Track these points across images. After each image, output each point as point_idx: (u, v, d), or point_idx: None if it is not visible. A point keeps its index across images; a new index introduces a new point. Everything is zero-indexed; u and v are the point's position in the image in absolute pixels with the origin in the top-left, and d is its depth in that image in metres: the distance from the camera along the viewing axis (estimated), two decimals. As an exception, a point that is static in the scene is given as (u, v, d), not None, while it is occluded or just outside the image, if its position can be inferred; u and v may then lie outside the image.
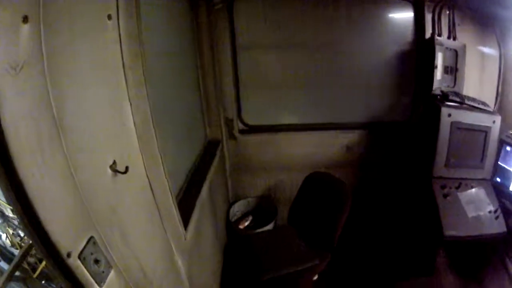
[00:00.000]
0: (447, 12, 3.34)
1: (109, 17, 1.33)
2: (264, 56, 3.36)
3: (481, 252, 3.44)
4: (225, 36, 3.22)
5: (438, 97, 3.07)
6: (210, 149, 3.24)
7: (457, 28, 3.43)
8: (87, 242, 1.11)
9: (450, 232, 2.68)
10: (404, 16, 3.43)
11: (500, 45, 3.78)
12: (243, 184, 3.72)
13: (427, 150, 3.00)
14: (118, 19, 1.37)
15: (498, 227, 2.91)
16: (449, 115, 2.90)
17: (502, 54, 3.80)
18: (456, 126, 2.92)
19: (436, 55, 3.17)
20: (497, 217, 2.95)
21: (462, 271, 3.38)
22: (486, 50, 3.80)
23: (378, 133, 3.50)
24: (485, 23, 3.65)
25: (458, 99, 3.05)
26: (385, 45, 3.37)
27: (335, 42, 3.32)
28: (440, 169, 2.96)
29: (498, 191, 3.23)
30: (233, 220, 3.66)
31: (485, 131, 3.09)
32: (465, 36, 3.55)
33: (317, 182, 3.00)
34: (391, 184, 3.52)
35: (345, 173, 3.21)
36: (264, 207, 3.76)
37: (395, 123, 3.55)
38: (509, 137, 3.33)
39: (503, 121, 3.50)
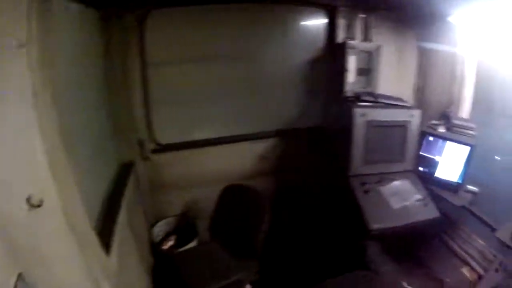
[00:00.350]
0: (363, 15, 3.91)
1: (19, 44, 1.43)
2: (176, 72, 3.63)
3: (419, 237, 3.99)
4: (135, 53, 3.44)
5: (351, 99, 3.57)
6: (124, 172, 3.41)
7: (373, 30, 4.02)
8: (17, 279, 1.26)
9: (375, 225, 3.11)
10: (318, 22, 3.90)
11: (418, 42, 4.51)
12: (162, 204, 3.96)
13: (342, 151, 3.49)
14: (27, 46, 1.46)
15: (428, 213, 3.46)
16: (363, 114, 3.37)
17: (420, 49, 4.53)
18: (371, 125, 3.41)
19: (347, 59, 3.68)
20: (426, 204, 3.50)
21: (401, 258, 3.94)
22: (404, 47, 4.45)
23: (294, 139, 3.90)
24: (402, 21, 4.30)
25: (371, 99, 3.56)
26: (298, 52, 3.81)
27: (247, 52, 3.70)
28: (358, 167, 3.42)
29: (424, 180, 3.81)
30: (157, 240, 3.91)
31: (403, 125, 3.64)
32: (382, 36, 4.14)
33: (233, 194, 3.33)
34: (313, 187, 3.89)
35: (263, 181, 3.60)
36: (186, 224, 4.04)
37: (309, 128, 3.97)
38: (430, 127, 3.96)
39: (424, 113, 3.99)
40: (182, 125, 3.80)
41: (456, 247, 4.31)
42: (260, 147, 3.77)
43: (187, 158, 3.76)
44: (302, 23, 3.85)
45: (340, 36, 3.84)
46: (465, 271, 4.07)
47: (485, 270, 3.66)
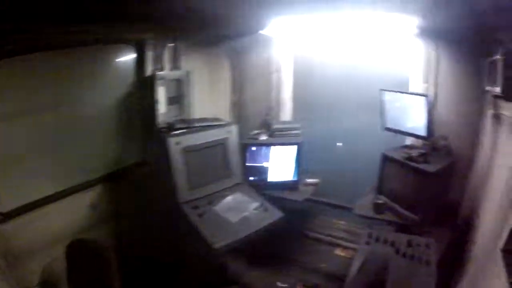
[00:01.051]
0: (171, 45, 3.98)
1: None
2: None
3: (278, 239, 4.18)
4: None
5: (164, 129, 3.61)
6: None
7: (182, 57, 4.13)
8: None
9: (218, 244, 3.13)
10: (127, 58, 3.83)
11: (231, 59, 4.82)
12: (26, 275, 3.34)
13: (169, 181, 3.49)
14: None
15: (271, 216, 3.58)
16: (178, 143, 3.45)
17: (233, 66, 4.83)
18: (188, 150, 3.51)
19: (157, 90, 3.71)
20: (266, 209, 3.64)
21: (269, 263, 4.14)
22: (216, 67, 4.72)
23: (121, 180, 3.79)
24: (212, 42, 4.53)
25: (185, 125, 3.65)
26: (111, 91, 3.70)
27: (60, 100, 3.40)
28: (186, 194, 3.46)
29: (259, 187, 4.02)
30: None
31: (222, 143, 3.81)
32: (192, 61, 4.28)
33: (79, 250, 3.12)
34: (152, 222, 3.83)
35: (103, 231, 3.48)
36: None
37: (134, 165, 3.92)
38: (251, 138, 4.19)
39: (244, 126, 4.32)
40: (17, 188, 3.37)
41: (319, 236, 4.67)
42: (86, 197, 3.59)
43: (29, 222, 3.44)
44: (112, 61, 3.79)
45: (149, 68, 3.87)
46: (339, 251, 4.45)
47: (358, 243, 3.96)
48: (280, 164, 4.23)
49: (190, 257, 3.68)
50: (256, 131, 4.42)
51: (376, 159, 3.93)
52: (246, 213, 3.58)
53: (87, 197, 3.54)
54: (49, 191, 3.41)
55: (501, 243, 2.32)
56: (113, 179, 3.71)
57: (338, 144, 5.25)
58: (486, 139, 3.47)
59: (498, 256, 2.30)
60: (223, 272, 3.84)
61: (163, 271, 3.76)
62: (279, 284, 3.87)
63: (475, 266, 2.79)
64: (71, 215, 3.54)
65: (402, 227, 3.59)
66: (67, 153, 3.51)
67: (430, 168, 3.39)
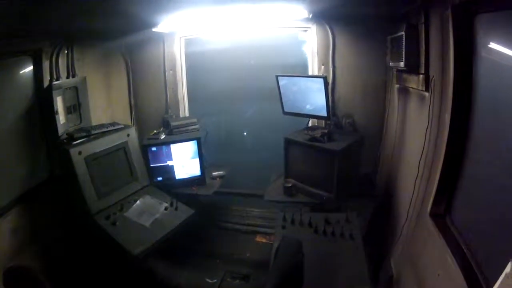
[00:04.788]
0: (65, 51, 3.96)
1: None
2: None
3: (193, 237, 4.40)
4: None
5: (65, 140, 3.64)
6: None
7: (77, 63, 4.13)
8: None
9: (137, 250, 3.23)
10: (25, 70, 3.73)
11: (126, 60, 4.94)
12: None
13: (77, 193, 3.53)
14: None
15: (182, 214, 3.82)
16: (80, 153, 3.50)
17: (129, 68, 4.96)
18: (91, 159, 3.59)
19: (55, 100, 3.67)
20: (176, 208, 3.86)
21: (192, 262, 4.32)
22: (112, 71, 4.85)
23: (34, 199, 3.71)
24: (105, 46, 4.58)
25: (84, 134, 3.72)
26: (8, 108, 3.56)
27: None
28: (95, 204, 3.58)
29: (168, 187, 4.23)
30: None
31: (122, 147, 3.94)
32: (87, 66, 4.33)
33: (12, 279, 3.10)
34: (70, 241, 3.86)
35: (27, 257, 3.42)
36: None
37: (44, 182, 3.86)
38: (150, 138, 4.35)
39: (144, 127, 4.58)
40: None
41: (237, 226, 5.03)
42: (6, 223, 3.42)
43: None
44: (9, 74, 3.61)
45: (47, 78, 3.80)
46: (259, 239, 4.77)
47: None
48: (183, 161, 4.42)
49: (113, 268, 3.76)
50: (154, 131, 4.57)
51: (277, 145, 4.21)
52: (157, 215, 3.79)
53: (5, 223, 3.45)
54: None
55: (428, 208, 2.52)
56: (27, 200, 3.64)
57: (244, 133, 5.58)
58: (394, 112, 3.82)
59: (427, 220, 2.49)
60: (150, 277, 4.02)
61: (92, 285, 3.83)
62: (208, 280, 4.09)
63: (405, 232, 2.97)
64: None
65: (317, 207, 3.79)
66: None
67: (336, 146, 3.62)
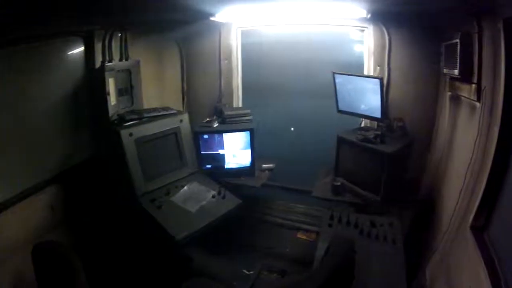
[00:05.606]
0: (119, 34, 3.94)
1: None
2: None
3: (237, 226, 4.34)
4: None
5: (116, 121, 3.62)
6: None
7: (131, 46, 4.10)
8: None
9: (180, 235, 3.25)
10: (75, 51, 3.76)
11: (180, 47, 4.89)
12: None
13: (124, 175, 3.50)
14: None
15: (229, 203, 3.77)
16: (131, 134, 3.48)
17: (183, 55, 4.93)
18: (141, 142, 3.56)
19: (107, 82, 3.67)
20: (224, 197, 3.80)
21: (231, 251, 4.24)
22: (165, 56, 4.81)
23: (75, 178, 3.72)
24: (160, 32, 4.52)
25: (136, 116, 3.69)
26: (60, 87, 3.61)
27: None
28: (142, 186, 3.55)
29: (215, 175, 4.16)
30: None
31: (174, 133, 3.89)
32: (140, 50, 4.28)
33: (44, 254, 3.29)
34: (112, 220, 3.84)
35: (61, 234, 3.41)
36: None
37: (85, 162, 3.84)
38: (203, 126, 4.30)
39: (196, 114, 4.44)
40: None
41: (279, 220, 4.86)
42: (44, 198, 3.49)
43: None
44: (61, 54, 3.68)
45: (99, 60, 3.83)
46: (300, 235, 4.64)
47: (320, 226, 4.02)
48: (235, 150, 4.37)
49: (152, 251, 3.73)
50: (207, 119, 4.53)
51: (331, 141, 4.12)
52: (204, 202, 3.71)
53: (43, 199, 3.47)
54: (1, 198, 3.30)
55: (469, 220, 2.46)
56: (68, 178, 3.65)
57: (291, 129, 5.45)
58: (444, 119, 3.69)
59: (467, 233, 2.44)
60: (188, 264, 3.93)
61: (126, 267, 3.81)
62: (245, 271, 3.99)
63: (444, 243, 2.91)
64: (28, 219, 3.46)
65: (361, 208, 3.78)
66: (16, 154, 3.40)
67: (388, 148, 3.57)
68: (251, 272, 3.96)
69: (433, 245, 3.15)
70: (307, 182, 4.47)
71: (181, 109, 4.86)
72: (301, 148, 5.21)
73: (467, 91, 2.86)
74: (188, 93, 5.05)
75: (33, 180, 3.48)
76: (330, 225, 3.22)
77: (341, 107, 4.26)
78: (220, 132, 4.31)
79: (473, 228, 2.42)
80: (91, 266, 3.26)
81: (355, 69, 4.31)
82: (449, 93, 3.51)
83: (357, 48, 4.60)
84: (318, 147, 4.80)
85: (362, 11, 3.57)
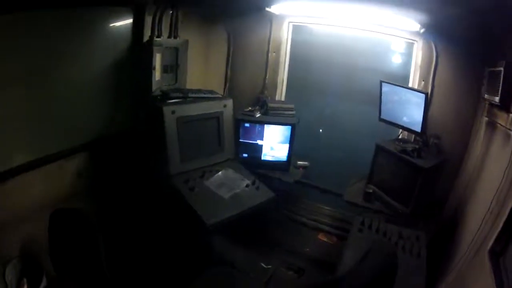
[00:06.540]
0: (170, 11, 3.87)
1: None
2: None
3: (263, 219, 4.23)
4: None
5: (159, 97, 3.56)
6: None
7: (180, 25, 4.03)
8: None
9: (211, 220, 3.17)
10: (123, 22, 3.70)
11: (229, 33, 4.79)
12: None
13: (159, 152, 3.44)
14: None
15: (262, 195, 3.68)
16: (173, 112, 3.40)
17: (230, 40, 4.82)
18: (183, 121, 3.47)
19: (154, 57, 3.62)
20: (257, 188, 3.72)
21: (253, 243, 4.11)
22: (213, 39, 4.71)
23: (107, 149, 3.70)
24: (211, 14, 4.51)
25: (180, 95, 3.61)
26: (104, 56, 3.56)
27: (49, 61, 3.21)
28: (177, 166, 3.45)
29: (251, 165, 4.07)
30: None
31: (216, 117, 3.81)
32: (190, 30, 4.21)
33: (62, 220, 3.18)
34: (139, 195, 3.77)
35: (86, 201, 3.38)
36: (33, 263, 3.87)
37: (120, 134, 3.79)
38: (245, 114, 4.21)
39: (237, 101, 4.25)
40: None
41: (304, 219, 4.74)
42: (73, 164, 3.48)
43: (9, 190, 3.26)
44: (108, 24, 3.63)
45: (147, 34, 3.77)
46: (322, 237, 4.51)
47: (344, 230, 4.18)
48: (273, 143, 4.29)
49: (178, 232, 3.66)
50: (249, 108, 4.44)
51: (364, 148, 4.13)
52: (237, 190, 3.62)
53: (73, 164, 3.43)
54: (31, 157, 3.27)
55: (489, 245, 2.43)
56: (101, 146, 3.61)
57: (320, 130, 5.34)
58: (478, 144, 3.62)
59: (484, 257, 2.41)
60: (209, 249, 3.84)
61: (148, 244, 3.72)
62: (262, 265, 3.90)
63: (461, 265, 2.90)
64: (55, 183, 3.42)
65: (390, 218, 3.72)
66: (52, 117, 3.37)
67: (424, 163, 3.52)
68: (269, 267, 3.88)
69: (450, 264, 3.12)
70: (339, 185, 4.43)
71: (221, 94, 4.71)
72: (336, 150, 5.13)
73: (504, 119, 2.84)
74: (231, 79, 4.96)
75: (64, 145, 3.44)
76: (360, 230, 3.24)
77: (383, 116, 4.18)
78: (262, 123, 4.22)
79: (490, 252, 2.40)
80: (113, 239, 3.21)
81: (398, 80, 4.26)
82: (486, 119, 3.44)
83: (402, 60, 4.55)
84: (352, 152, 4.77)
85: (416, 25, 3.60)
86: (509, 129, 2.70)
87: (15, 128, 3.17)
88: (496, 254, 2.37)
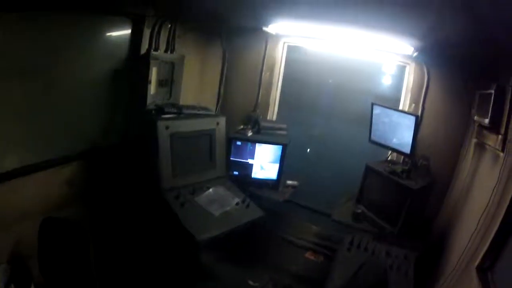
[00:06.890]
0: (169, 25, 3.86)
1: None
2: None
3: (252, 237, 4.19)
4: None
5: (153, 111, 3.54)
6: None
7: (178, 40, 4.02)
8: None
9: (201, 236, 3.15)
10: (122, 32, 3.65)
11: (224, 51, 4.80)
12: None
13: (151, 166, 3.45)
14: None
15: (252, 213, 3.68)
16: (167, 127, 3.41)
17: (225, 58, 4.83)
18: (176, 137, 3.48)
19: (150, 70, 3.59)
20: (247, 206, 3.72)
21: (240, 260, 4.12)
22: (208, 57, 4.72)
23: (99, 159, 3.65)
24: (208, 32, 4.54)
25: (175, 110, 3.61)
26: (100, 65, 3.52)
27: (42, 66, 3.13)
28: (168, 181, 3.47)
29: (241, 183, 4.07)
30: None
31: (209, 134, 3.82)
32: (186, 46, 4.23)
33: (52, 229, 3.18)
34: (129, 208, 3.72)
35: (76, 210, 3.35)
36: (20, 269, 3.72)
37: (112, 146, 3.76)
38: (237, 132, 4.23)
39: (229, 119, 4.22)
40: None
41: (292, 238, 4.73)
42: (63, 173, 3.45)
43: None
44: (106, 33, 3.58)
45: (144, 46, 3.71)
46: (309, 255, 4.51)
47: (331, 249, 4.19)
48: (263, 162, 4.30)
49: (166, 247, 3.65)
50: (242, 126, 4.48)
51: (355, 168, 4.14)
52: (227, 208, 3.62)
53: (65, 173, 3.39)
54: (24, 163, 3.21)
55: (476, 262, 2.49)
56: (94, 157, 3.58)
57: (307, 150, 5.40)
58: (466, 164, 3.69)
59: (472, 273, 2.46)
60: (197, 265, 3.85)
61: (137, 256, 3.69)
62: (250, 282, 3.88)
63: (449, 281, 2.93)
64: (45, 191, 3.37)
65: (377, 237, 3.74)
66: (45, 124, 3.32)
67: (413, 184, 3.58)
68: (256, 284, 3.85)
69: (438, 281, 3.16)
70: (328, 204, 4.45)
71: (213, 111, 4.74)
72: (326, 169, 5.20)
73: (493, 141, 2.89)
74: (224, 97, 4.99)
75: (57, 153, 3.40)
76: (348, 249, 3.30)
77: (373, 138, 4.24)
78: (254, 141, 4.25)
79: (478, 268, 2.46)
80: (103, 250, 3.16)
81: (389, 102, 4.34)
82: (475, 140, 3.51)
83: (393, 82, 4.65)
84: (341, 172, 4.82)
85: (409, 48, 3.65)
86: (498, 150, 2.75)
87: (9, 133, 3.12)
88: (483, 270, 2.42)
